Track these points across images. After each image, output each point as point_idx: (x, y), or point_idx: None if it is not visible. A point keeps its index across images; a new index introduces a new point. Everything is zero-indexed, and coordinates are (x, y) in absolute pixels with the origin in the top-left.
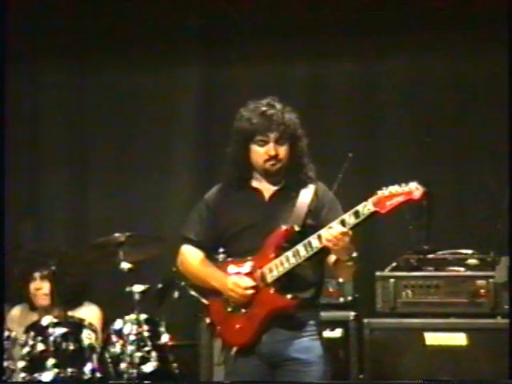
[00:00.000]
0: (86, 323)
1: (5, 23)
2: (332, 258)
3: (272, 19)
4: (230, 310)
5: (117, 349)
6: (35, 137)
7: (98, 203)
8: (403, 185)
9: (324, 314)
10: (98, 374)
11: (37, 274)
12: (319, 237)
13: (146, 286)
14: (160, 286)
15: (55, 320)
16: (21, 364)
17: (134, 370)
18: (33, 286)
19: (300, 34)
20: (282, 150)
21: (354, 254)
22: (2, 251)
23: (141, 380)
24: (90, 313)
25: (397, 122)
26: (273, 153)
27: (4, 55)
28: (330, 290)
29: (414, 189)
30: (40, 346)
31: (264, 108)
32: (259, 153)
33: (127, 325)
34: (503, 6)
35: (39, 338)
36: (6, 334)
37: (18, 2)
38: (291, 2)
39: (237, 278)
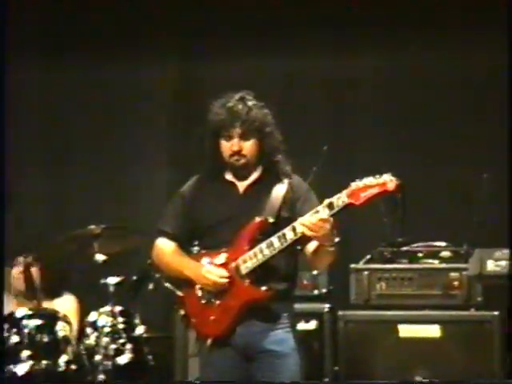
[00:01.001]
0: (60, 315)
1: None
2: (311, 246)
3: (248, 16)
4: (204, 301)
5: (91, 341)
6: (15, 131)
7: (76, 196)
8: (377, 176)
9: (298, 306)
10: (73, 366)
11: (20, 259)
12: (293, 228)
13: (121, 278)
14: (135, 278)
15: (30, 312)
16: None
17: (109, 362)
18: (15, 270)
19: (276, 29)
20: (247, 146)
21: (337, 239)
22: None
23: (116, 372)
24: (67, 303)
25: (372, 116)
26: (236, 148)
27: None
28: (305, 282)
29: (388, 180)
30: (14, 338)
31: (232, 103)
32: (225, 147)
33: (102, 317)
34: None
35: (13, 330)
36: None
37: None
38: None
39: (210, 267)
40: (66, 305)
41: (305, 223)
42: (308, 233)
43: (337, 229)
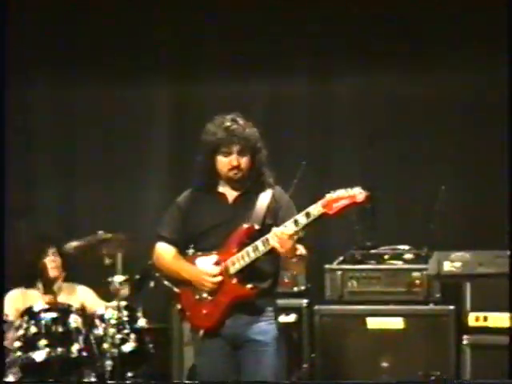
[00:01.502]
0: (72, 309)
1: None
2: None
3: (235, 44)
4: (197, 297)
5: (100, 331)
6: (31, 144)
7: (85, 204)
8: (348, 189)
9: (280, 302)
10: (84, 353)
11: (50, 251)
12: (266, 240)
13: (126, 277)
14: (138, 276)
15: (46, 306)
16: (17, 344)
17: (115, 350)
18: (47, 259)
19: (260, 56)
20: (244, 161)
21: (299, 252)
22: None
23: (121, 358)
24: (86, 292)
25: (345, 134)
26: (235, 163)
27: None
28: (286, 280)
29: (358, 193)
30: (33, 329)
31: (228, 123)
32: (224, 163)
33: (109, 310)
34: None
35: (32, 322)
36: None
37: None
38: (253, 27)
39: (204, 269)
40: (85, 294)
41: (276, 234)
42: (274, 245)
43: (305, 238)
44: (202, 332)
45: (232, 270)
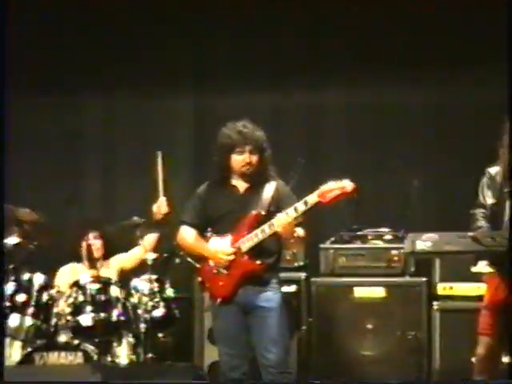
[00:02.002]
0: (112, 281)
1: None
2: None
3: (246, 63)
4: (215, 271)
5: (135, 300)
6: (79, 146)
7: (123, 194)
8: (339, 181)
9: (283, 275)
10: (122, 318)
11: (91, 235)
12: (271, 224)
13: (157, 255)
14: (166, 254)
15: (91, 279)
16: (67, 310)
17: (148, 315)
18: (91, 241)
19: (264, 74)
20: (254, 159)
21: (296, 235)
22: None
23: (152, 322)
24: (118, 258)
25: (338, 135)
26: (248, 160)
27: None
28: (288, 257)
29: (347, 184)
30: (80, 298)
31: (240, 128)
32: (238, 160)
33: (142, 282)
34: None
35: (80, 292)
36: (56, 289)
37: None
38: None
39: (220, 248)
40: (118, 257)
41: (278, 221)
42: (277, 229)
43: (304, 222)
44: (219, 300)
45: (243, 248)
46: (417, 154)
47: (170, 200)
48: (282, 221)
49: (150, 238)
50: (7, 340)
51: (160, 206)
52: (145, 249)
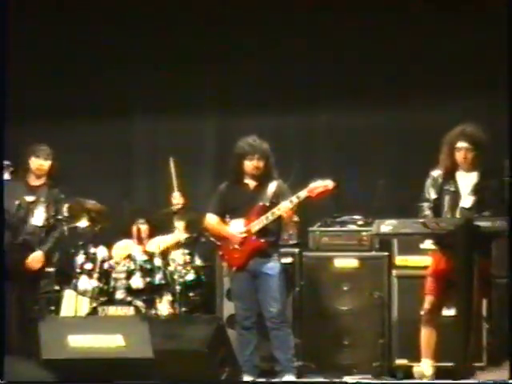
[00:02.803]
0: (155, 255)
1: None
2: (286, 220)
3: (256, 92)
4: (231, 247)
5: (172, 268)
6: (129, 156)
7: (164, 190)
8: (323, 180)
9: (282, 250)
10: (163, 281)
11: (139, 221)
12: (278, 209)
13: (189, 235)
14: (195, 235)
15: (140, 252)
16: (122, 275)
17: (181, 279)
18: (139, 226)
19: (269, 101)
20: (260, 164)
21: (294, 219)
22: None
23: (185, 284)
24: (158, 239)
25: (324, 148)
26: (256, 165)
27: None
28: (285, 237)
29: (329, 183)
30: (132, 266)
31: (251, 141)
32: (249, 165)
33: (178, 255)
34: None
35: (131, 262)
36: (114, 260)
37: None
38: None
39: (236, 230)
40: (158, 239)
41: (283, 208)
42: (282, 213)
43: (297, 210)
44: (234, 268)
45: (253, 230)
46: (383, 161)
47: (184, 193)
48: (286, 207)
49: (182, 224)
50: (78, 297)
51: (174, 198)
52: (179, 231)
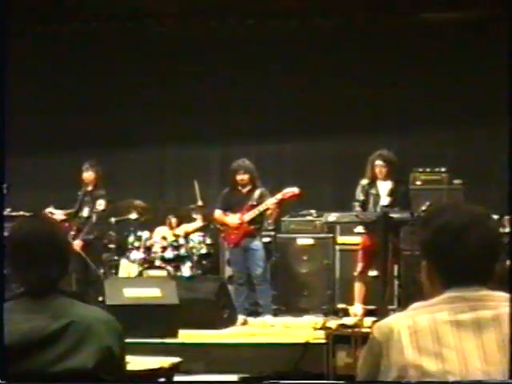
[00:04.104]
0: (180, 237)
1: None
2: (267, 213)
3: (254, 123)
4: (230, 231)
5: (191, 244)
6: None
7: (188, 192)
8: (292, 188)
9: (264, 233)
10: (186, 254)
11: (170, 215)
12: (266, 204)
13: (203, 224)
14: (206, 223)
15: (171, 235)
16: (159, 250)
17: (198, 252)
18: (170, 218)
19: (265, 130)
20: (245, 177)
21: (277, 210)
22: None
23: (200, 255)
24: (183, 226)
25: (294, 163)
26: (242, 177)
27: None
28: (266, 225)
29: (296, 190)
30: (165, 243)
31: (240, 163)
32: (238, 178)
33: (195, 237)
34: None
35: (165, 241)
36: (153, 239)
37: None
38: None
39: (233, 219)
40: (183, 226)
41: (268, 203)
42: (269, 206)
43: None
44: (231, 245)
45: (245, 219)
46: (332, 176)
47: (203, 200)
48: (271, 202)
49: (199, 216)
50: (130, 264)
51: (198, 203)
52: (196, 221)
